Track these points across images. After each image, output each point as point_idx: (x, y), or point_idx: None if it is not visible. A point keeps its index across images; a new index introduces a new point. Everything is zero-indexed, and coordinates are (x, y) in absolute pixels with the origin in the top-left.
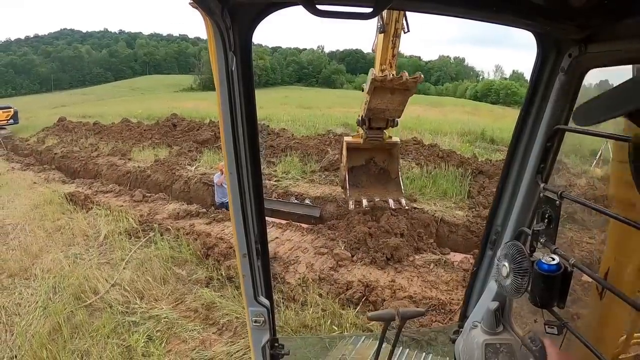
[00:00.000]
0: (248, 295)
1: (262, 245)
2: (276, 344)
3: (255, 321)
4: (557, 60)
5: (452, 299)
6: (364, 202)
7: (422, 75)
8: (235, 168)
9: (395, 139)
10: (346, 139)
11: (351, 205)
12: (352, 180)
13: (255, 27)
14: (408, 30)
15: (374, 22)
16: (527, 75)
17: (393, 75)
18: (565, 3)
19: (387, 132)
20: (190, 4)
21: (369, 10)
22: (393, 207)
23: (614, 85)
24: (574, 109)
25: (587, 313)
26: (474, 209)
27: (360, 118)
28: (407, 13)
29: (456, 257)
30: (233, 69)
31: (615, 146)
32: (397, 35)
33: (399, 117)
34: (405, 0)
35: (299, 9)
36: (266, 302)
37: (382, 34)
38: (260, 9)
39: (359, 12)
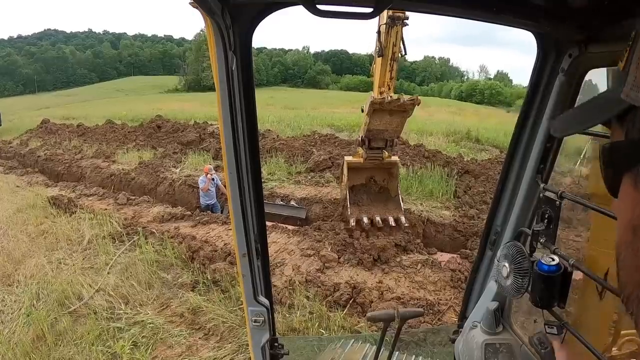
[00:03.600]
0: (247, 295)
1: (261, 245)
2: (276, 344)
3: (255, 321)
4: (557, 60)
5: (440, 300)
6: (365, 219)
7: (419, 98)
8: (235, 168)
9: (395, 158)
10: (347, 158)
11: (352, 223)
12: (353, 199)
13: (256, 26)
14: (405, 54)
15: (361, 24)
16: (512, 75)
17: (391, 97)
18: (565, 3)
19: (386, 151)
20: (190, 3)
21: (369, 10)
22: (393, 225)
23: (592, 97)
24: (552, 119)
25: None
26: (460, 209)
27: (360, 138)
28: (404, 32)
29: (443, 257)
30: (233, 68)
31: (591, 145)
32: (394, 59)
33: (398, 137)
34: (405, 0)
35: (299, 9)
36: (266, 301)
37: (380, 58)
38: (260, 8)
39: (359, 12)
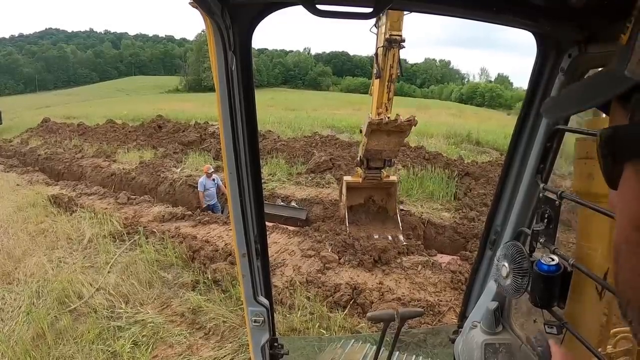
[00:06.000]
0: (247, 295)
1: (261, 245)
2: (276, 344)
3: (255, 321)
4: (557, 60)
5: (441, 301)
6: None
7: (416, 118)
8: (235, 168)
9: (393, 177)
10: (346, 178)
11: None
12: (352, 219)
13: (255, 27)
14: (402, 75)
15: (362, 24)
16: (512, 78)
17: (388, 118)
18: (565, 3)
19: (384, 171)
20: (190, 3)
21: (369, 10)
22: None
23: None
24: (543, 102)
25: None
26: (460, 211)
27: (359, 159)
28: (405, 22)
29: (443, 258)
30: (233, 68)
31: (577, 144)
32: (392, 81)
33: (395, 157)
34: (405, 0)
35: (299, 9)
36: (265, 301)
37: (378, 80)
38: (260, 9)
39: (359, 12)
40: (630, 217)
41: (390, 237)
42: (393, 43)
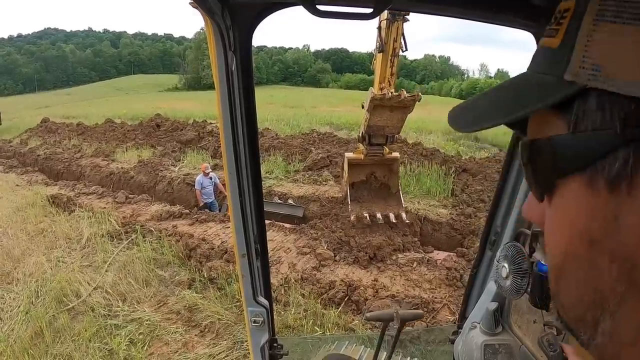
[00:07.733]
0: (247, 296)
1: (261, 246)
2: (275, 344)
3: (255, 321)
4: None
5: (435, 298)
6: (367, 216)
7: (420, 94)
8: (235, 168)
9: (395, 154)
10: (347, 154)
11: (352, 218)
12: (354, 196)
13: (256, 27)
14: (406, 49)
15: (361, 23)
16: (512, 74)
17: (392, 93)
18: None
19: (387, 147)
20: (190, 3)
21: (369, 10)
22: (394, 221)
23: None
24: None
25: None
26: (457, 207)
27: (360, 134)
28: (405, 31)
29: (440, 255)
30: (233, 68)
31: None
32: (395, 55)
33: (398, 133)
34: (405, 0)
35: (299, 9)
36: (265, 302)
37: (381, 53)
38: (260, 9)
39: (359, 12)
40: (579, 230)
41: (392, 215)
42: (397, 16)
